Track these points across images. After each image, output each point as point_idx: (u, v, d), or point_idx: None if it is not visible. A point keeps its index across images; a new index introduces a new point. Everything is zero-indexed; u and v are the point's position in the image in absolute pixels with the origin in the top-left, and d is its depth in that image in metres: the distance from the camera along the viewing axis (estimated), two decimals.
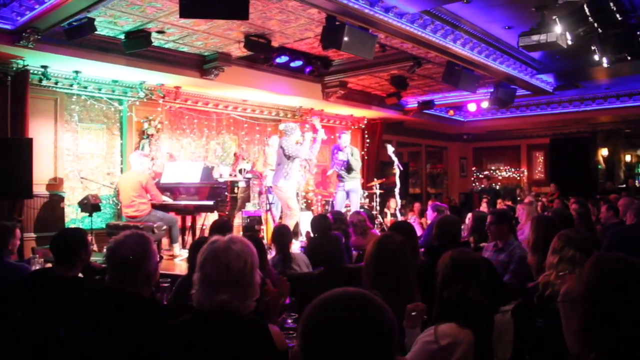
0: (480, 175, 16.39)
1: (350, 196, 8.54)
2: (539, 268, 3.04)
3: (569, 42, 6.13)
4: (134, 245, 2.45)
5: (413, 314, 2.45)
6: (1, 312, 3.19)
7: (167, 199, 7.58)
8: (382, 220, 9.76)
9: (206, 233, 7.55)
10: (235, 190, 8.67)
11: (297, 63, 8.57)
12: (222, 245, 2.10)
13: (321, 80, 10.23)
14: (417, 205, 10.85)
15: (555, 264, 2.67)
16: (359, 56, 6.68)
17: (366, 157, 12.66)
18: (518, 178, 16.02)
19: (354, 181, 8.62)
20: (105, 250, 2.53)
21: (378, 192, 9.89)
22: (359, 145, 12.53)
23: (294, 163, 7.40)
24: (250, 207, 8.80)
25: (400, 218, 9.84)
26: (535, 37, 6.27)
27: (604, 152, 15.56)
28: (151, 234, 6.48)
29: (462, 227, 5.35)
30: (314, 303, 1.31)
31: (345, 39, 6.01)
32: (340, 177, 8.71)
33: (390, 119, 12.69)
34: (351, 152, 8.60)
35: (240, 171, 9.01)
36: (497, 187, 15.72)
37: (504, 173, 16.33)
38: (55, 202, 7.83)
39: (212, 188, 7.74)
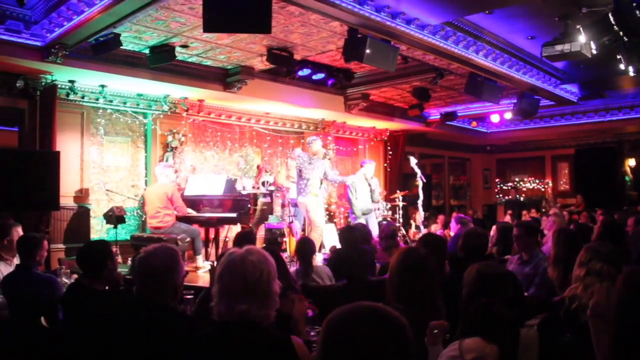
0: (504, 187, 16.25)
1: (368, 221, 8.48)
2: (561, 282, 2.99)
3: (594, 52, 6.02)
4: (164, 257, 2.49)
5: (435, 331, 2.43)
6: (39, 325, 3.26)
7: (191, 211, 7.62)
8: (405, 233, 9.69)
9: (230, 245, 7.63)
10: (258, 203, 8.88)
11: (319, 76, 8.58)
12: (239, 256, 2.11)
13: (343, 93, 10.25)
14: (441, 218, 10.77)
15: (582, 276, 2.62)
16: (381, 68, 6.66)
17: (388, 169, 12.65)
18: (543, 189, 15.82)
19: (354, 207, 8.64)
20: (132, 261, 2.57)
21: (401, 204, 9.86)
22: (380, 158, 12.53)
23: (310, 180, 7.59)
24: (273, 220, 8.99)
25: (423, 230, 9.78)
26: (558, 47, 6.18)
27: (630, 162, 15.26)
28: (175, 246, 6.44)
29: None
30: (333, 316, 1.33)
31: (367, 51, 6.01)
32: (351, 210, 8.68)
33: (412, 130, 12.67)
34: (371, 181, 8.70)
35: (263, 184, 9.02)
36: (522, 198, 15.54)
37: (528, 184, 16.13)
38: (81, 213, 7.91)
39: (235, 200, 7.76)
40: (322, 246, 7.86)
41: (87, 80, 7.73)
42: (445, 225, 10.22)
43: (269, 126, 10.64)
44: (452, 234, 7.38)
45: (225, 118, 9.92)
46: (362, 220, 8.15)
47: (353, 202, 8.54)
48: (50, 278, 4.00)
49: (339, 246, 5.48)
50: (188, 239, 7.15)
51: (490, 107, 11.02)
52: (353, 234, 5.28)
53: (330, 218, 10.23)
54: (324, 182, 8.08)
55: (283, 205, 8.67)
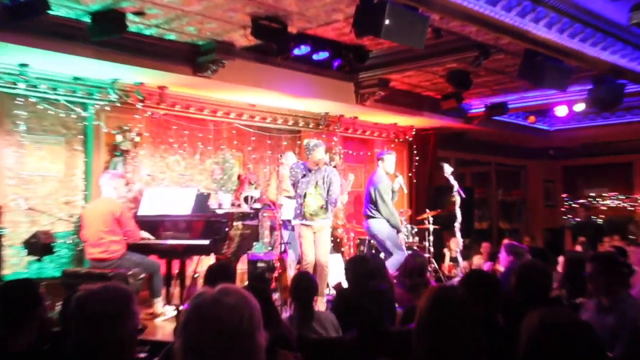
0: (574, 205, 16.25)
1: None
2: None
3: None
4: (109, 301, 2.48)
5: None
6: None
7: (147, 237, 7.65)
8: (437, 266, 9.72)
9: (200, 283, 7.71)
10: (239, 226, 8.81)
11: (322, 55, 8.59)
12: (210, 299, 2.09)
13: (354, 78, 10.31)
14: (485, 246, 10.87)
15: None
16: (405, 45, 6.69)
17: (414, 181, 12.69)
18: (630, 208, 15.78)
19: (376, 220, 8.94)
20: (63, 305, 2.55)
21: (431, 228, 9.86)
22: (405, 165, 12.66)
23: (307, 199, 7.99)
24: (259, 249, 9.12)
25: (462, 263, 9.81)
26: None
27: None
28: (125, 285, 6.41)
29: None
30: None
31: (387, 22, 5.99)
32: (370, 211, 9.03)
33: (447, 128, 12.72)
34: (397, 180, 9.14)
35: (246, 199, 9.09)
36: (599, 220, 15.54)
37: (608, 201, 16.12)
38: None
39: (208, 222, 7.85)
40: (327, 286, 8.07)
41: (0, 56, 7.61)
42: (492, 257, 10.24)
43: (255, 123, 10.69)
44: (501, 268, 7.43)
45: (196, 112, 9.92)
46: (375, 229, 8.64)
47: (381, 209, 8.82)
48: None
49: (346, 284, 5.55)
50: (143, 275, 7.17)
51: (554, 96, 11.03)
52: (364, 267, 5.32)
53: (337, 246, 10.27)
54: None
55: (273, 229, 8.87)
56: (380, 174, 9.17)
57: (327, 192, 8.03)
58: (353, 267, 5.40)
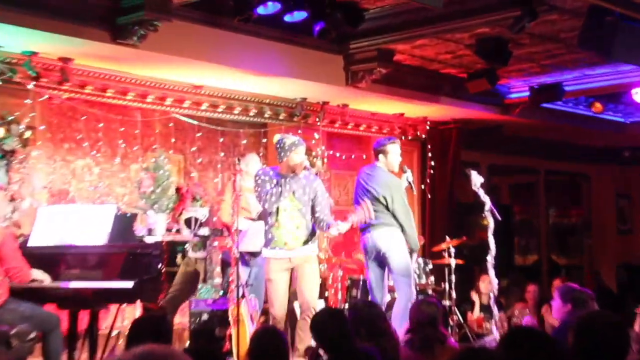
0: None
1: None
2: None
3: None
4: None
5: None
6: None
7: (41, 277, 7.41)
8: (461, 318, 9.78)
9: (119, 346, 8.00)
10: (179, 260, 9.00)
11: (298, 15, 8.62)
12: None
13: (343, 49, 10.40)
14: (531, 289, 11.00)
15: None
16: (415, 1, 6.69)
17: (428, 195, 12.80)
18: None
19: (392, 231, 8.79)
20: None
21: (453, 263, 9.93)
22: (415, 172, 12.55)
23: (279, 219, 7.82)
24: (206, 293, 8.91)
25: (496, 313, 9.68)
26: None
27: None
28: (3, 350, 6.47)
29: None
30: None
31: None
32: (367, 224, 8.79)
33: (475, 121, 13.02)
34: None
35: (188, 222, 9.16)
36: None
37: None
38: None
39: (133, 256, 7.70)
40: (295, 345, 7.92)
41: None
42: (540, 304, 10.39)
43: (201, 112, 10.81)
44: (554, 322, 7.65)
45: (115, 95, 9.97)
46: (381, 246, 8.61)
47: (399, 215, 8.78)
48: None
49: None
50: (33, 335, 7.03)
51: (630, 73, 11.15)
52: (341, 325, 5.36)
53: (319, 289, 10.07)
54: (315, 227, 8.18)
55: (227, 265, 8.74)
56: (381, 171, 8.97)
57: (311, 208, 7.91)
58: (322, 325, 5.43)
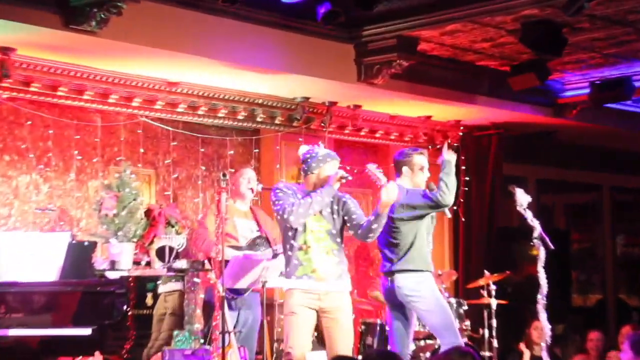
0: None
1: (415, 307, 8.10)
2: None
3: None
4: None
5: None
6: None
7: None
8: None
9: None
10: (148, 301, 8.62)
11: None
12: None
13: (355, 37, 10.25)
14: (594, 338, 11.05)
15: None
16: None
17: (462, 219, 12.76)
18: None
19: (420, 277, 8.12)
20: None
21: (494, 303, 9.95)
22: None
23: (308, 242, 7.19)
24: (183, 343, 8.70)
25: None
26: None
27: None
28: None
29: None
30: None
31: None
32: (387, 262, 8.21)
33: (521, 125, 13.05)
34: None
35: (160, 253, 8.97)
36: None
37: None
38: None
39: (91, 295, 7.73)
40: None
41: None
42: (604, 355, 10.57)
43: (177, 116, 10.66)
44: None
45: (70, 94, 9.64)
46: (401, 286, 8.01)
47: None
48: None
49: None
50: None
51: None
52: None
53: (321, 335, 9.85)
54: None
55: (209, 307, 8.51)
56: (405, 190, 8.11)
57: (342, 221, 7.26)
58: None
